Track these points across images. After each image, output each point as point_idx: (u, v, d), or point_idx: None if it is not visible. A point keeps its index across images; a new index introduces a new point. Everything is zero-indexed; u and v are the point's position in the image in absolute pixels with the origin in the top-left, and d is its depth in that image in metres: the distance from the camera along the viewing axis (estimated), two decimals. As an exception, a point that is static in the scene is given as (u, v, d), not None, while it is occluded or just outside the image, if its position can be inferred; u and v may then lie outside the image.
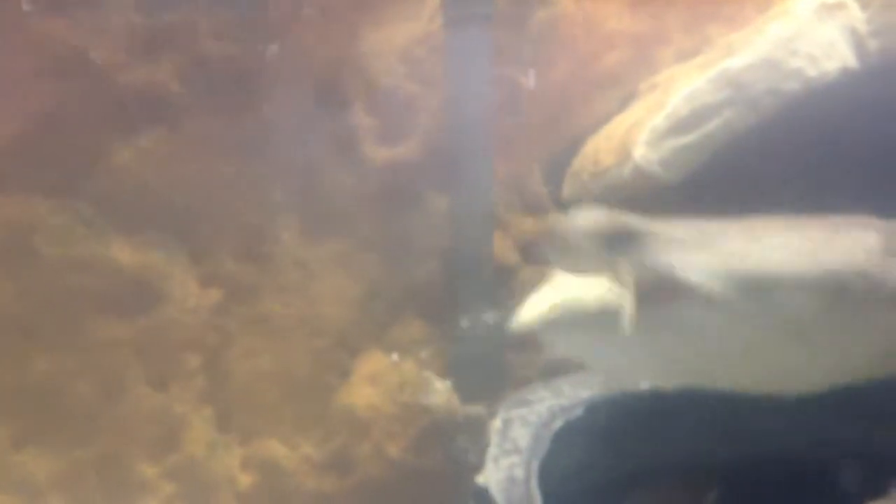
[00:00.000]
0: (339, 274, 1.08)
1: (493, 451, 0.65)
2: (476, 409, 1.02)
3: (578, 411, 0.68)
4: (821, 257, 0.53)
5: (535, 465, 0.63)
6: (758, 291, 0.52)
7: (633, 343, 0.53)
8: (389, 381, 1.06)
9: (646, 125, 0.69)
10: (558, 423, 0.67)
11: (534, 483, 0.62)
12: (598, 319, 0.53)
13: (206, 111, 1.05)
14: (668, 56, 1.02)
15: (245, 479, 1.07)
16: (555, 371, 0.77)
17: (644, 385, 0.64)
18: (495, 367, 1.01)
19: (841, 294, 0.53)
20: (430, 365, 1.06)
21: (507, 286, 1.05)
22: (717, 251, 0.53)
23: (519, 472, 0.63)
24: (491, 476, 0.63)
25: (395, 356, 1.06)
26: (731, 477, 0.74)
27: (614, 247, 0.52)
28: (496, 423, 0.68)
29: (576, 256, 0.53)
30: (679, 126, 0.67)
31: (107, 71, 1.02)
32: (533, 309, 0.54)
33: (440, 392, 1.04)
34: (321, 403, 1.07)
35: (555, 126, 1.04)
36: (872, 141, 0.68)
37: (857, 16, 0.65)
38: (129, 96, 1.03)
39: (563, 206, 1.01)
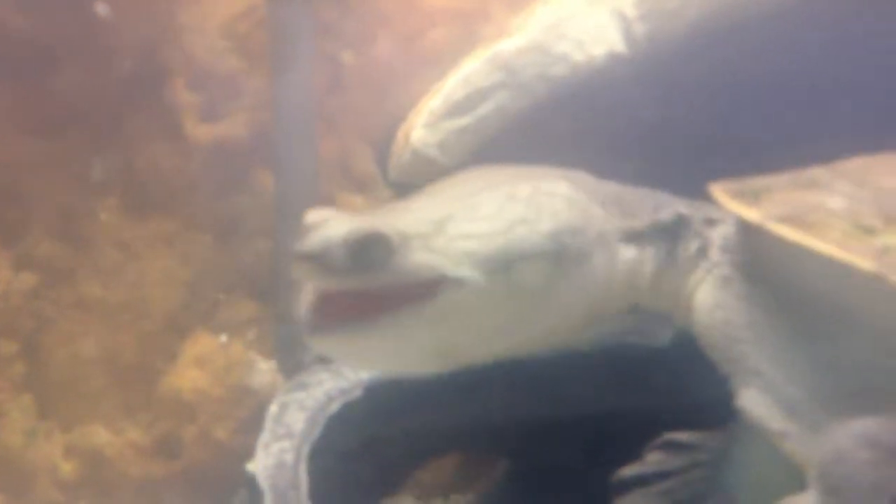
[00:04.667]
0: (165, 255, 1.05)
1: (265, 436, 0.65)
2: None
3: (357, 393, 0.69)
4: (533, 221, 0.56)
5: (305, 449, 0.64)
6: (498, 269, 0.55)
7: (392, 340, 0.55)
8: (216, 363, 1.04)
9: (424, 107, 0.70)
10: (335, 406, 0.67)
11: (302, 467, 0.63)
12: None
13: (9, 86, 1.00)
14: (490, 33, 1.03)
15: (67, 467, 1.03)
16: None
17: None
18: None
19: (561, 251, 0.56)
20: (256, 346, 1.05)
21: (336, 265, 1.05)
22: (452, 237, 0.55)
23: (289, 457, 0.63)
24: (260, 462, 0.63)
25: (223, 337, 1.05)
26: (514, 445, 0.77)
27: (364, 255, 0.52)
28: (272, 409, 0.68)
29: (328, 273, 0.52)
30: (455, 109, 0.67)
31: None
32: None
33: (265, 373, 1.03)
34: (147, 387, 1.04)
35: (379, 104, 1.03)
36: (641, 125, 0.70)
37: (626, 0, 0.67)
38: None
39: (391, 184, 1.01)
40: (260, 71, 1.02)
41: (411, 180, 0.72)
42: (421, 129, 0.68)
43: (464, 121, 0.68)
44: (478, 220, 0.56)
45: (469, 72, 0.68)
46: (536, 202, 0.57)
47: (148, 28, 1.02)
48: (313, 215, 0.56)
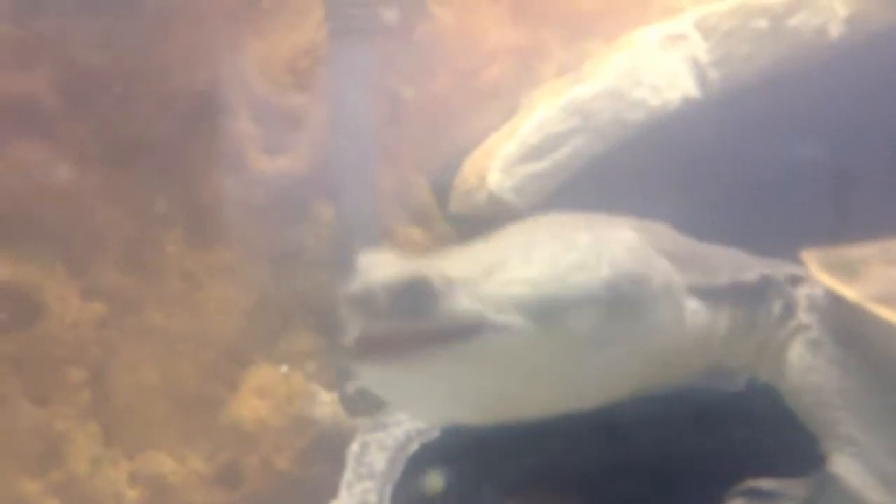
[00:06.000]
0: (227, 285, 1.07)
1: (348, 476, 0.66)
2: (362, 422, 1.03)
3: (435, 433, 0.70)
4: (591, 268, 0.54)
5: (388, 490, 0.64)
6: (547, 315, 0.53)
7: (434, 384, 0.53)
8: (277, 393, 1.06)
9: (499, 151, 0.71)
10: (415, 446, 0.68)
11: (386, 509, 0.63)
12: None
13: (81, 121, 1.03)
14: (549, 71, 1.03)
15: (132, 494, 1.05)
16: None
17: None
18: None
19: (618, 301, 0.54)
20: (317, 377, 1.06)
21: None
22: (501, 283, 0.53)
23: (372, 498, 0.64)
24: (343, 502, 0.64)
25: (284, 368, 1.07)
26: (590, 488, 0.77)
27: (407, 300, 0.51)
28: (353, 448, 0.69)
29: (371, 316, 0.51)
30: (530, 154, 0.68)
31: (-24, 81, 1.00)
32: None
33: (327, 404, 1.05)
34: (209, 416, 1.06)
35: (437, 139, 1.05)
36: (714, 168, 0.71)
37: (699, 46, 0.67)
38: (2, 107, 1.01)
39: (450, 218, 1.02)
40: (321, 105, 1.03)
41: (484, 218, 0.73)
42: (497, 172, 0.69)
43: (539, 166, 0.69)
44: (530, 265, 0.54)
45: (544, 118, 0.69)
46: (596, 249, 0.55)
47: (213, 63, 1.04)
48: (367, 258, 0.56)
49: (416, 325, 0.53)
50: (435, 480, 0.66)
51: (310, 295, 1.06)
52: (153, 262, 1.05)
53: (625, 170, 0.70)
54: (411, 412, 0.68)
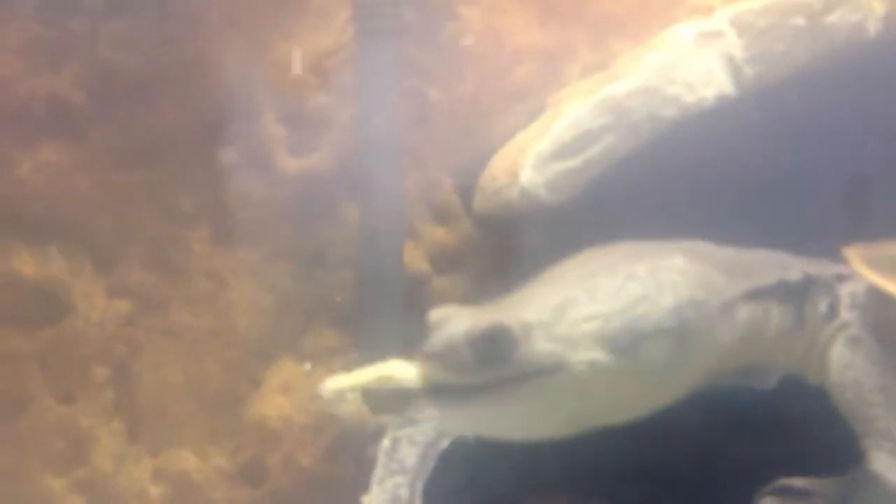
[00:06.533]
0: (251, 284, 1.07)
1: (379, 471, 0.65)
2: (386, 419, 1.03)
3: (465, 430, 0.69)
4: (654, 298, 0.57)
5: (419, 486, 0.64)
6: (622, 348, 0.56)
7: (516, 412, 0.56)
8: (301, 391, 1.06)
9: (532, 148, 0.70)
10: (445, 442, 0.68)
11: (417, 503, 0.63)
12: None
13: (108, 121, 1.03)
14: (575, 71, 1.03)
15: (156, 491, 1.05)
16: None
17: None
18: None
19: (684, 326, 0.57)
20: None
21: (418, 295, 1.06)
22: (574, 321, 0.56)
23: (403, 493, 0.64)
24: (375, 498, 0.64)
25: (308, 366, 1.07)
26: (616, 487, 0.76)
27: (489, 350, 0.54)
28: (384, 443, 0.69)
29: (455, 371, 0.53)
30: (563, 151, 0.68)
31: (6, 82, 0.97)
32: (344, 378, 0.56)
33: (350, 402, 1.04)
34: (233, 414, 1.06)
35: (464, 139, 1.04)
36: (749, 165, 0.70)
37: (734, 43, 0.67)
38: (30, 107, 1.01)
39: (474, 217, 1.02)
40: (347, 105, 1.03)
41: (512, 216, 0.72)
42: (530, 169, 0.69)
43: (572, 162, 0.69)
44: (597, 301, 0.57)
45: (578, 115, 0.69)
46: (656, 279, 0.58)
47: (240, 64, 1.04)
48: (437, 313, 0.58)
49: (500, 373, 0.55)
50: None
51: (334, 294, 1.06)
52: (179, 261, 1.05)
53: (658, 167, 0.70)
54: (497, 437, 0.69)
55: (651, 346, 0.57)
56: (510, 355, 0.55)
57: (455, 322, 0.56)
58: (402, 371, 0.56)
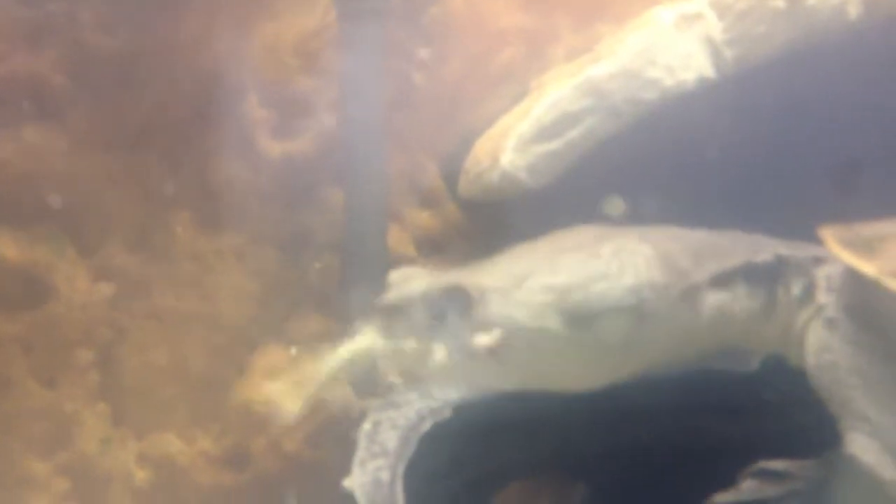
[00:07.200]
0: (236, 268, 1.07)
1: (360, 454, 0.66)
2: (373, 402, 1.03)
3: (447, 413, 0.70)
4: (614, 278, 0.58)
5: (401, 468, 0.64)
6: (577, 321, 0.57)
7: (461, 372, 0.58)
8: (286, 375, 1.06)
9: (513, 131, 0.70)
10: (427, 425, 0.68)
11: (399, 486, 0.63)
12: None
13: (91, 103, 1.02)
14: (559, 54, 1.03)
15: (140, 475, 1.05)
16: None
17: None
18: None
19: (642, 306, 0.58)
20: (325, 359, 1.06)
21: (403, 279, 1.06)
22: (531, 290, 0.57)
23: (385, 475, 0.64)
24: (356, 480, 0.64)
25: (293, 350, 1.06)
26: (599, 470, 0.77)
27: (444, 309, 0.56)
28: (365, 426, 0.69)
29: (408, 326, 0.56)
30: (544, 133, 0.68)
31: (-14, 62, 0.99)
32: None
33: (336, 386, 1.04)
34: (217, 398, 1.06)
35: (448, 122, 1.04)
36: (729, 148, 0.70)
37: (714, 25, 0.66)
38: (11, 89, 1.01)
39: (459, 201, 1.02)
40: (330, 88, 1.03)
41: (495, 199, 0.72)
42: (511, 152, 0.69)
43: (553, 145, 0.69)
44: (557, 274, 0.58)
45: (558, 97, 0.69)
46: (619, 259, 0.59)
47: (222, 46, 1.03)
48: (397, 273, 0.59)
49: (453, 332, 0.57)
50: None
51: (319, 277, 1.06)
52: (162, 244, 1.05)
53: (639, 150, 0.69)
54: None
55: (607, 323, 0.57)
56: (465, 315, 0.56)
57: (412, 281, 0.57)
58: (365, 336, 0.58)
